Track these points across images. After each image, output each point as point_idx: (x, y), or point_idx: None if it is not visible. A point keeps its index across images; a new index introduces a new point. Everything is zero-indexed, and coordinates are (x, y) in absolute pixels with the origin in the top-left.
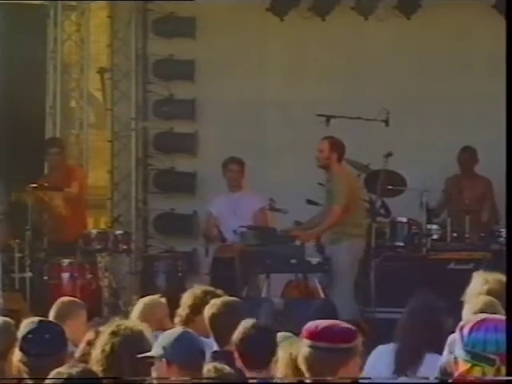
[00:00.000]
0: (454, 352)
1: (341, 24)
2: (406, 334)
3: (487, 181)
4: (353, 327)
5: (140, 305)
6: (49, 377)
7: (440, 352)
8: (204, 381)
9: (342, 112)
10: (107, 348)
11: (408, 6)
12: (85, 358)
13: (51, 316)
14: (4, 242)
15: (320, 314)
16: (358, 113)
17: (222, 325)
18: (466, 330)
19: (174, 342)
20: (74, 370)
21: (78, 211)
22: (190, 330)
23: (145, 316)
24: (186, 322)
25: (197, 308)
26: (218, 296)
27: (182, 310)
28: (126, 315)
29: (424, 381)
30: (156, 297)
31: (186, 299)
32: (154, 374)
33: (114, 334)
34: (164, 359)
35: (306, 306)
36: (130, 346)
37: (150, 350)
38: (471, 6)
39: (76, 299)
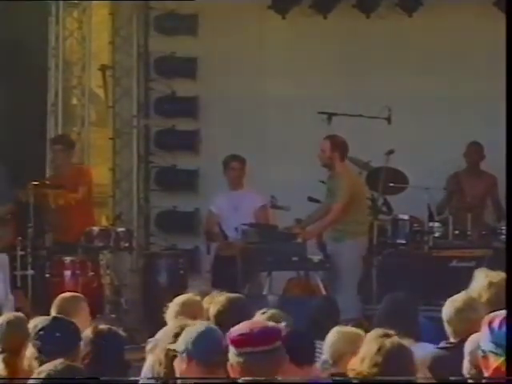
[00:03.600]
0: (481, 347)
1: (342, 22)
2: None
3: (493, 177)
4: (274, 326)
5: (177, 303)
6: (35, 374)
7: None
8: (210, 380)
9: (344, 110)
10: (171, 352)
11: (409, 4)
12: (87, 357)
13: (53, 313)
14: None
15: (321, 311)
16: (359, 110)
17: (228, 321)
18: (495, 325)
19: (195, 337)
20: (57, 368)
21: (85, 212)
22: (213, 327)
23: (182, 315)
24: None
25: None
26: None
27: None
28: (127, 313)
29: (427, 381)
30: (191, 295)
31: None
32: (176, 369)
33: (177, 336)
34: (184, 355)
35: (307, 303)
36: None
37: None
38: (472, 3)
39: (76, 294)
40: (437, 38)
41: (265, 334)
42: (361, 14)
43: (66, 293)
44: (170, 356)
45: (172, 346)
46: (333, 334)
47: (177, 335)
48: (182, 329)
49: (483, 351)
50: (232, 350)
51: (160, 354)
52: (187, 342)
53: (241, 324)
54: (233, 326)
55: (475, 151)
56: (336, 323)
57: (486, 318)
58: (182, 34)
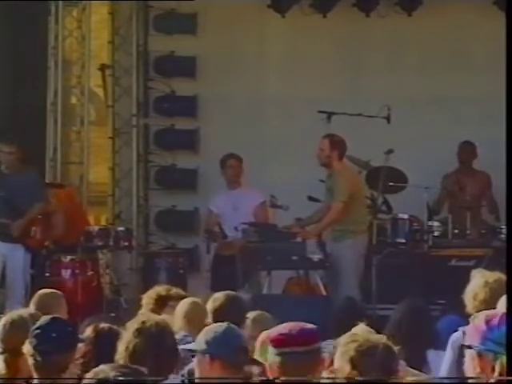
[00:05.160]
0: (478, 347)
1: (342, 21)
2: (406, 333)
3: (486, 175)
4: (313, 328)
5: (183, 307)
6: (88, 375)
7: (439, 349)
8: (213, 381)
9: (343, 109)
10: (131, 346)
11: (409, 3)
12: (87, 356)
13: (33, 308)
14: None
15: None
16: (359, 109)
17: (225, 318)
18: (495, 323)
19: (219, 337)
20: (119, 371)
21: (81, 215)
22: (234, 326)
23: (189, 318)
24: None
25: (161, 302)
26: (180, 291)
27: (146, 307)
28: (127, 312)
29: (425, 381)
30: (194, 298)
31: (150, 295)
32: (196, 368)
33: (138, 331)
34: (207, 355)
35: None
36: (154, 344)
37: (174, 346)
38: (472, 2)
39: (55, 290)
40: (436, 38)
41: (304, 335)
42: (360, 13)
43: (46, 289)
44: (130, 351)
45: (190, 346)
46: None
47: (138, 330)
48: (144, 324)
49: (478, 351)
50: (271, 350)
51: (122, 350)
52: (209, 342)
53: (281, 325)
54: (232, 323)
55: (467, 150)
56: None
57: (482, 317)
58: (182, 34)
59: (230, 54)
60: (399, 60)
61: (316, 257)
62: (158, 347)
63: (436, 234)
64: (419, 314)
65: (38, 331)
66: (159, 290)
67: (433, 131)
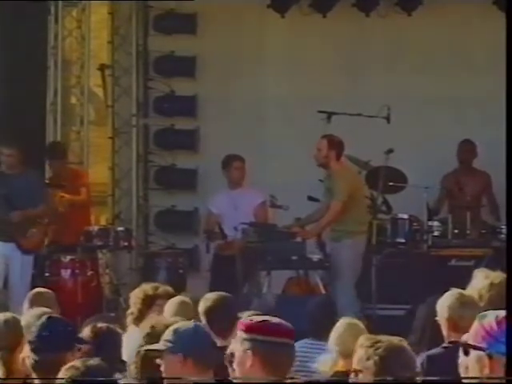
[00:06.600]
0: (488, 349)
1: (342, 21)
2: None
3: (486, 175)
4: (289, 325)
5: (171, 306)
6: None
7: None
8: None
9: (343, 109)
10: (142, 351)
11: (409, 3)
12: (85, 355)
13: (27, 307)
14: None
15: (319, 309)
16: (359, 109)
17: (218, 318)
18: (504, 326)
19: (191, 335)
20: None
21: (83, 213)
22: (202, 325)
23: (178, 315)
24: (140, 317)
25: (149, 301)
26: (167, 289)
27: (134, 306)
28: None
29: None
30: (182, 297)
31: (137, 294)
32: (164, 368)
33: (149, 335)
34: (180, 354)
35: (305, 301)
36: None
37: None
38: (472, 2)
39: (47, 290)
40: (436, 38)
41: (279, 327)
42: (360, 13)
43: (38, 288)
44: (142, 356)
45: (156, 346)
46: (342, 326)
47: (149, 335)
48: (154, 328)
49: (489, 353)
50: (241, 335)
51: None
52: (181, 341)
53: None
54: (224, 323)
55: (467, 149)
56: (333, 322)
57: (492, 318)
58: (181, 33)
59: (229, 54)
60: (399, 60)
61: (316, 257)
62: None
63: (436, 233)
64: None
65: (35, 330)
66: (146, 288)
67: (433, 131)
